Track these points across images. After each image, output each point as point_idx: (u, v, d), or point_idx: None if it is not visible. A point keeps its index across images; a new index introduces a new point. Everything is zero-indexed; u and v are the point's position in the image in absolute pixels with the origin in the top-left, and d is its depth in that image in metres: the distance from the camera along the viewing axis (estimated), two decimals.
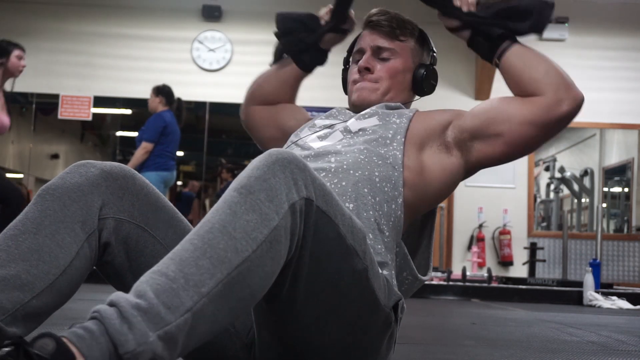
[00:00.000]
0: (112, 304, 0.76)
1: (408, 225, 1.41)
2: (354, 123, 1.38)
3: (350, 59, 1.55)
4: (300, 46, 1.55)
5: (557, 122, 1.27)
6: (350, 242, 1.00)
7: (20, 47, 4.10)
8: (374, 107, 1.42)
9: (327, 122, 1.44)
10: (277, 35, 1.58)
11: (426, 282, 5.12)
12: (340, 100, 1.58)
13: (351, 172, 1.24)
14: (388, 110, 1.40)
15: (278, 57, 1.60)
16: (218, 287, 0.81)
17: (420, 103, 1.49)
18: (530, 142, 1.30)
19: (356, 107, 1.47)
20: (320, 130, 1.40)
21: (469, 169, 1.37)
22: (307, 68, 1.58)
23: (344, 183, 1.23)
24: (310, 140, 1.36)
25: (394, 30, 1.46)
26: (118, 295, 0.77)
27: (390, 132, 1.33)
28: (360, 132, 1.34)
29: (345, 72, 1.58)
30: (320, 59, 1.58)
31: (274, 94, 1.59)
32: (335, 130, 1.37)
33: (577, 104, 1.27)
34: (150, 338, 0.74)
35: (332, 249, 0.98)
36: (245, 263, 0.83)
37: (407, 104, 1.49)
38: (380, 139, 1.31)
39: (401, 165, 1.28)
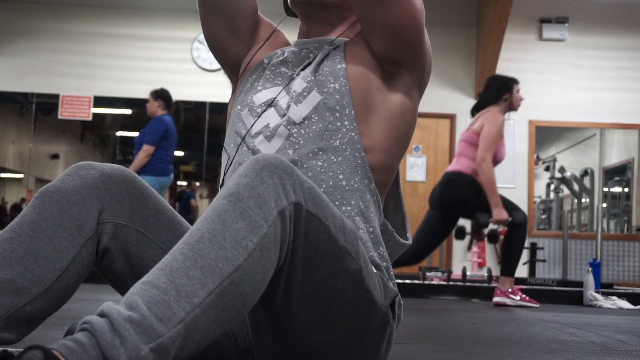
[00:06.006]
0: (103, 315, 0.75)
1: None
2: (295, 110, 1.21)
3: None
4: None
5: None
6: (343, 244, 1.00)
7: (517, 82, 4.15)
8: (307, 74, 1.25)
9: (267, 95, 1.28)
10: None
11: (426, 282, 5.05)
12: None
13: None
14: (321, 73, 1.24)
15: None
16: (210, 297, 0.80)
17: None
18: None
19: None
20: (261, 111, 1.26)
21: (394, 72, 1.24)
22: None
23: None
24: (258, 142, 1.23)
25: None
26: (109, 306, 0.76)
27: (337, 107, 1.20)
28: (306, 122, 1.20)
29: None
30: None
31: None
32: (280, 126, 1.22)
33: None
34: (142, 351, 0.73)
35: (325, 252, 0.97)
36: (236, 272, 0.83)
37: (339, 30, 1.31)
38: (330, 125, 1.19)
39: (361, 148, 1.19)
